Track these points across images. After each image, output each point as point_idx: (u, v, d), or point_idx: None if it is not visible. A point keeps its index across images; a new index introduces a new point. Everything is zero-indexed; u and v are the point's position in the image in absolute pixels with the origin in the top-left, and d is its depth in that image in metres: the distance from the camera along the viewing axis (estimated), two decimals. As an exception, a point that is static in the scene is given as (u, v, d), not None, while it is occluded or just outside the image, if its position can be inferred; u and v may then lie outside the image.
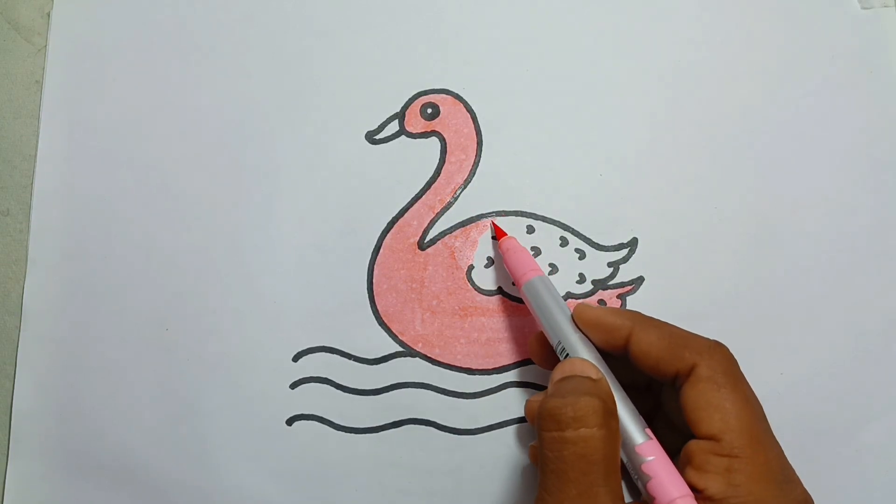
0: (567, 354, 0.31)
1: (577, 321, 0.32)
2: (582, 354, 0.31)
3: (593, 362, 0.30)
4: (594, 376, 0.29)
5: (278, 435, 0.37)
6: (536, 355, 0.34)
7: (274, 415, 0.37)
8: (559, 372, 0.30)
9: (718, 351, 0.29)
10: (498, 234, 0.37)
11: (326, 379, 0.37)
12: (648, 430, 0.29)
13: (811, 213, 0.38)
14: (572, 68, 0.40)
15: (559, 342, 0.32)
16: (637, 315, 0.31)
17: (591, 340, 0.31)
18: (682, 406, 0.28)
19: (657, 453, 0.28)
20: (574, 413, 0.26)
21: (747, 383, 0.29)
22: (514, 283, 0.36)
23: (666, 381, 0.30)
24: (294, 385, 0.37)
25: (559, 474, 0.26)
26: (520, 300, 0.37)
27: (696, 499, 0.27)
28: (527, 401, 0.34)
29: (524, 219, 0.38)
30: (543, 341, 0.33)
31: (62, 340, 0.39)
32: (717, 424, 0.27)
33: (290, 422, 0.37)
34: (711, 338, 0.30)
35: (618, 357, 0.31)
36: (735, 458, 0.27)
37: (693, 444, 0.28)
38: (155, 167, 0.40)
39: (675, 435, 0.30)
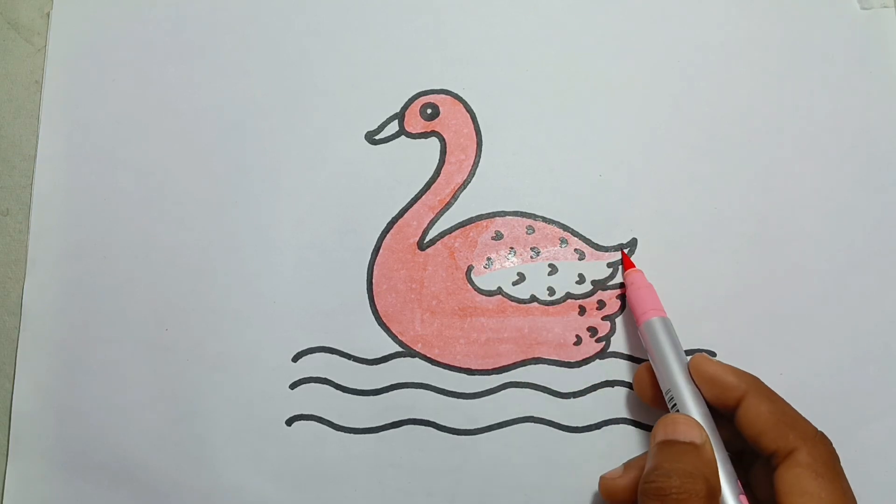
0: (675, 405, 0.31)
1: (694, 373, 0.31)
2: (691, 410, 0.30)
3: (700, 419, 0.30)
4: (697, 441, 0.29)
5: (278, 435, 0.37)
6: (642, 389, 0.34)
7: (273, 415, 0.37)
8: (662, 431, 0.30)
9: (822, 441, 0.29)
10: (626, 265, 0.37)
11: (326, 379, 0.37)
12: (743, 497, 0.29)
13: (811, 213, 0.38)
14: (572, 68, 0.40)
15: (669, 390, 0.32)
16: (754, 380, 0.31)
17: (702, 394, 0.31)
18: (776, 487, 0.28)
19: None
20: (678, 497, 0.26)
21: (846, 480, 0.29)
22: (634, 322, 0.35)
23: (761, 454, 0.30)
24: (294, 385, 0.37)
25: None
26: (520, 300, 0.37)
27: None
28: (602, 477, 0.33)
29: (524, 219, 0.38)
30: (652, 377, 0.33)
31: (62, 340, 0.39)
32: None
33: (289, 422, 0.37)
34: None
35: (722, 415, 0.31)
36: None
37: None
38: (155, 167, 0.40)
39: None
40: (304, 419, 0.37)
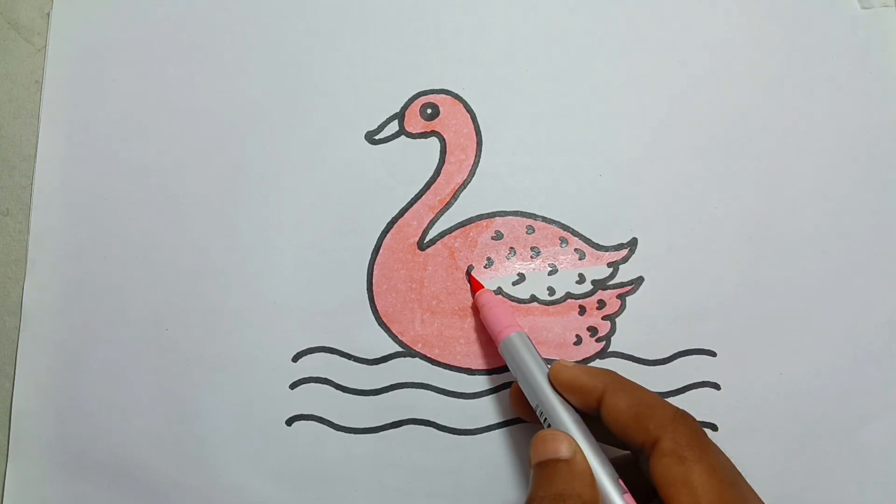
0: (545, 418, 0.31)
1: (554, 382, 0.31)
2: (559, 419, 0.30)
3: (571, 428, 0.30)
4: (566, 455, 0.28)
5: (278, 435, 0.37)
6: (518, 407, 0.34)
7: (273, 415, 0.37)
8: (534, 454, 0.29)
9: (683, 422, 0.28)
10: (474, 287, 0.37)
11: (326, 379, 0.37)
12: (628, 496, 0.28)
13: (811, 213, 0.38)
14: (572, 68, 0.40)
15: (538, 405, 0.31)
16: (611, 376, 0.30)
17: (568, 402, 0.31)
18: (653, 481, 0.28)
19: None
20: None
21: (714, 452, 0.28)
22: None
23: (636, 449, 0.29)
24: (294, 385, 0.37)
25: None
26: (520, 300, 0.37)
27: None
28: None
29: (524, 219, 0.38)
30: (523, 396, 0.33)
31: (62, 340, 0.39)
32: (686, 500, 0.27)
33: (289, 422, 0.37)
34: (705, 416, 0.30)
35: (594, 419, 0.31)
36: None
37: None
38: (155, 167, 0.40)
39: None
40: (304, 419, 0.37)
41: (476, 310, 0.37)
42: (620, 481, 0.29)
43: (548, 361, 0.33)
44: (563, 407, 0.31)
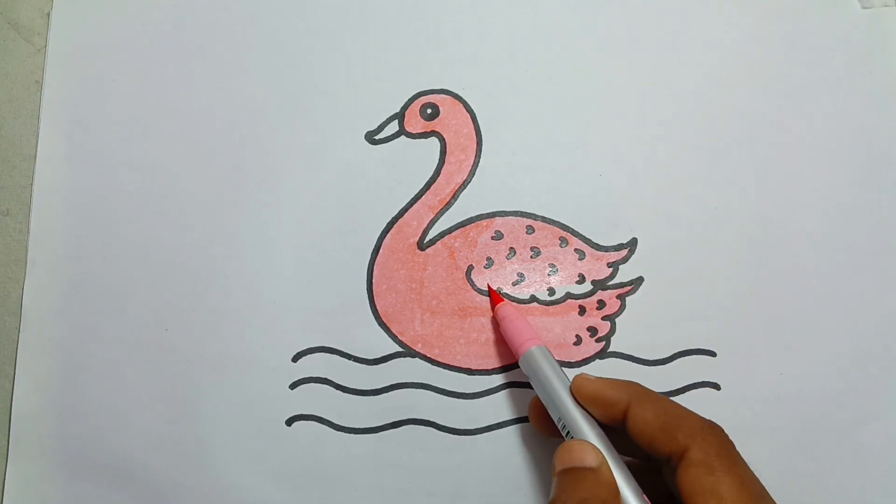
0: (568, 431, 0.31)
1: (577, 395, 0.31)
2: (582, 432, 0.30)
3: (595, 441, 0.30)
4: (593, 464, 0.28)
5: (278, 435, 0.37)
6: (537, 422, 0.34)
7: (273, 415, 0.37)
8: (559, 461, 0.29)
9: (712, 432, 0.29)
10: (494, 300, 0.37)
11: (326, 379, 0.37)
12: None
13: (811, 213, 0.38)
14: (572, 68, 0.40)
15: (560, 418, 0.31)
16: (636, 388, 0.30)
17: (591, 414, 0.31)
18: (680, 491, 0.28)
19: None
20: None
21: (743, 464, 0.28)
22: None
23: (662, 460, 0.29)
24: (294, 385, 0.37)
25: None
26: (520, 300, 0.37)
27: None
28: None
29: (524, 219, 0.38)
30: (544, 410, 0.33)
31: (62, 340, 0.39)
32: None
33: (289, 422, 0.37)
34: (705, 416, 0.29)
35: (618, 431, 0.31)
36: None
37: None
38: (155, 167, 0.40)
39: None
40: (304, 419, 0.37)
41: (496, 322, 0.36)
42: (644, 497, 0.29)
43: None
44: (587, 419, 0.31)
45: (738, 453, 0.29)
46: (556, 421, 0.32)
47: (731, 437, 0.29)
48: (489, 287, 0.37)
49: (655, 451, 0.29)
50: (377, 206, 0.39)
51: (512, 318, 0.35)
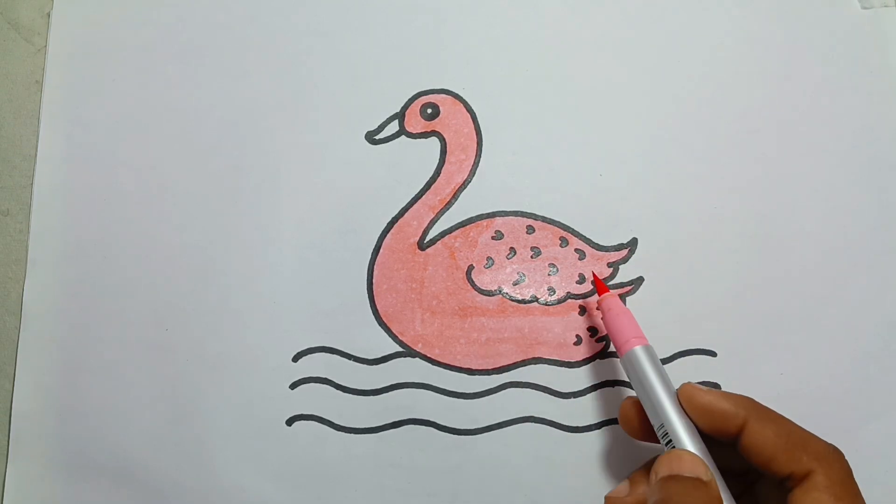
0: (669, 440, 0.30)
1: (685, 405, 0.30)
2: (689, 445, 0.29)
3: (699, 454, 0.29)
4: (705, 478, 0.28)
5: (278, 435, 0.37)
6: (629, 424, 0.32)
7: (274, 415, 0.37)
8: (666, 467, 0.28)
9: (837, 459, 0.28)
10: (599, 289, 0.35)
11: (326, 379, 0.37)
12: None
13: (811, 213, 0.38)
14: (572, 68, 0.40)
15: (661, 425, 0.30)
16: (751, 403, 0.29)
17: (696, 426, 0.30)
18: None
19: None
20: None
21: (861, 496, 0.28)
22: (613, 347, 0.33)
23: (774, 478, 0.29)
24: (294, 385, 0.37)
25: None
26: (520, 300, 0.37)
27: None
28: (608, 497, 0.32)
29: (524, 219, 0.38)
30: (640, 412, 0.32)
31: (62, 340, 0.39)
32: None
33: (289, 422, 0.37)
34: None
35: (719, 443, 0.30)
36: None
37: None
38: (155, 167, 0.40)
39: None
40: (304, 419, 0.37)
41: (598, 310, 0.35)
42: None
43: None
44: (692, 431, 0.30)
45: (857, 485, 0.28)
46: (655, 427, 0.31)
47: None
48: (594, 275, 0.36)
49: (771, 470, 0.28)
50: (377, 205, 0.39)
51: (617, 311, 0.33)
